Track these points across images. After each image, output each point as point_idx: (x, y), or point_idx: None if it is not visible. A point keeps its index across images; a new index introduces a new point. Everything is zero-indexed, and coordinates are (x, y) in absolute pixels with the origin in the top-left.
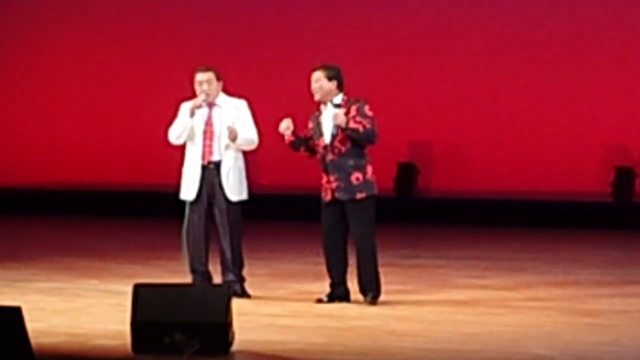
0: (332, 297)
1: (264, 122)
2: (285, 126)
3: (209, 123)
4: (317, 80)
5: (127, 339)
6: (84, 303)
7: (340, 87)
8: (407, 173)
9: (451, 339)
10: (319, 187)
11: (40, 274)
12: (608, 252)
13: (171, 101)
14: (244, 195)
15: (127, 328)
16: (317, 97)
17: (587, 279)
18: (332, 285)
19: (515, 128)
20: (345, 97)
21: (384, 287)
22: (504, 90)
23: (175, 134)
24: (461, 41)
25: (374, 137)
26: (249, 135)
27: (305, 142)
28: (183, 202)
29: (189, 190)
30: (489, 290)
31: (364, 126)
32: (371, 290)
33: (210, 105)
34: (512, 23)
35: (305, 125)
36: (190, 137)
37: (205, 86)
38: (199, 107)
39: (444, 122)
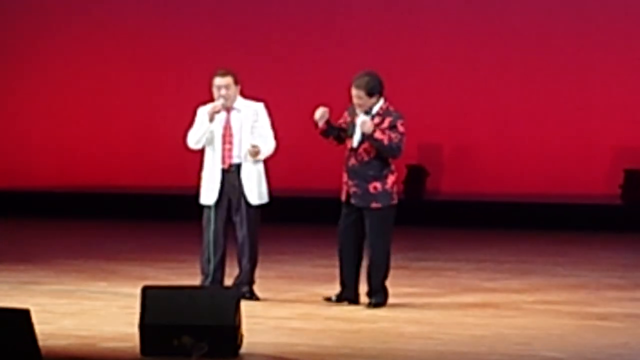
0: (340, 298)
1: (273, 125)
2: (321, 115)
3: (227, 127)
4: (359, 98)
5: (136, 342)
6: (93, 305)
7: (381, 94)
8: (416, 175)
9: (460, 341)
10: (329, 190)
11: (48, 276)
12: (617, 254)
13: (183, 103)
14: (264, 199)
15: (135, 330)
16: (360, 110)
17: (596, 282)
18: (342, 285)
19: (524, 131)
20: (384, 106)
21: (393, 290)
22: (512, 93)
23: (194, 139)
24: (470, 44)
25: (397, 152)
26: (267, 146)
27: (336, 131)
28: (200, 206)
29: (209, 195)
30: (498, 293)
31: (389, 138)
32: (376, 297)
33: (229, 109)
34: (521, 25)
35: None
36: (209, 141)
37: (223, 91)
38: (218, 112)
39: (453, 125)
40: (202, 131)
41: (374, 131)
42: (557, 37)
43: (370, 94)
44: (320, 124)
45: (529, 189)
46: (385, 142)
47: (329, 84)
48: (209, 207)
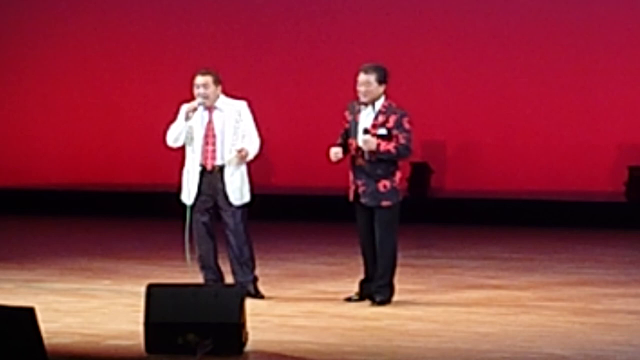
0: (362, 296)
1: (273, 123)
2: (335, 156)
3: (210, 127)
4: (368, 83)
5: (141, 339)
6: (98, 303)
7: (385, 91)
8: (420, 173)
9: (465, 338)
10: (332, 188)
11: (53, 275)
12: (621, 251)
13: (181, 101)
14: (246, 199)
15: (140, 328)
16: (364, 99)
17: (600, 279)
18: (362, 284)
19: (528, 128)
20: (387, 103)
21: (398, 287)
22: (516, 90)
23: (172, 137)
24: (474, 41)
25: (407, 153)
26: (252, 146)
27: (345, 144)
28: (184, 204)
29: (188, 194)
30: (503, 290)
31: (395, 146)
32: (381, 294)
33: (210, 109)
34: (525, 22)
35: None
36: (190, 140)
37: (201, 90)
38: (194, 110)
39: (457, 122)
40: (179, 130)
41: (378, 145)
42: (561, 35)
43: (379, 81)
44: (339, 157)
45: (533, 186)
46: (393, 151)
47: (331, 82)
48: (191, 205)
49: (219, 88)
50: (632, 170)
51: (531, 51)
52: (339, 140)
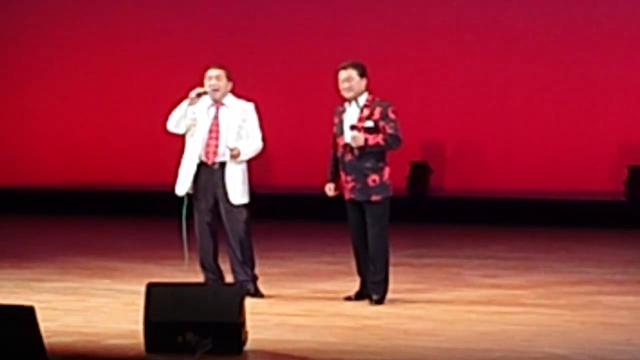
0: (361, 295)
1: (273, 122)
2: (329, 191)
3: (215, 122)
4: (349, 79)
5: (140, 339)
6: (97, 302)
7: (367, 86)
8: (420, 172)
9: (464, 338)
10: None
11: (53, 274)
12: (621, 250)
13: (182, 100)
14: (245, 199)
15: (140, 327)
16: (348, 95)
17: (600, 278)
18: (362, 283)
19: (527, 127)
20: (370, 97)
21: (397, 286)
22: (516, 89)
23: (174, 121)
24: (474, 39)
25: (397, 142)
26: (252, 147)
27: (336, 171)
28: (181, 199)
29: (181, 185)
30: (502, 289)
31: (384, 137)
32: (377, 292)
33: (218, 104)
34: (525, 21)
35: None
36: (192, 132)
37: (213, 81)
38: (200, 95)
39: (457, 122)
40: (180, 113)
41: (366, 140)
42: (560, 33)
43: (361, 75)
44: (333, 193)
45: (532, 185)
46: (382, 143)
47: (331, 82)
48: (194, 200)
49: (230, 85)
50: (632, 169)
51: (531, 51)
52: (330, 162)
